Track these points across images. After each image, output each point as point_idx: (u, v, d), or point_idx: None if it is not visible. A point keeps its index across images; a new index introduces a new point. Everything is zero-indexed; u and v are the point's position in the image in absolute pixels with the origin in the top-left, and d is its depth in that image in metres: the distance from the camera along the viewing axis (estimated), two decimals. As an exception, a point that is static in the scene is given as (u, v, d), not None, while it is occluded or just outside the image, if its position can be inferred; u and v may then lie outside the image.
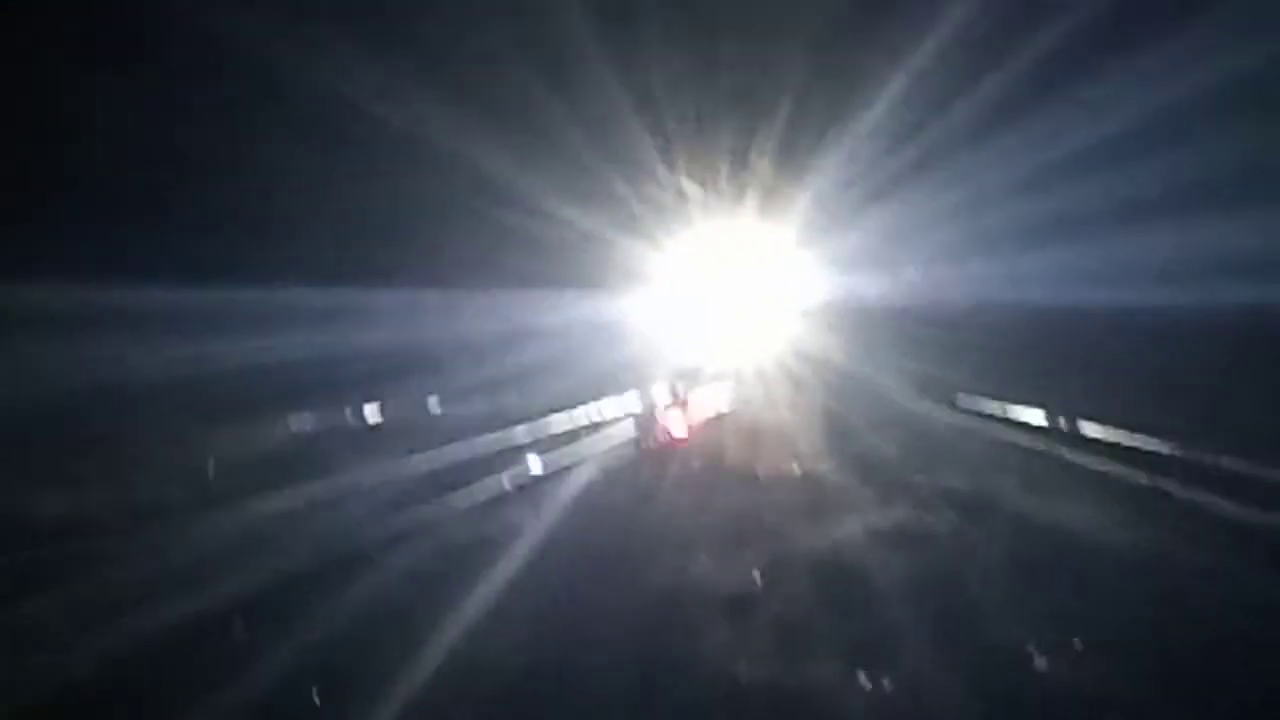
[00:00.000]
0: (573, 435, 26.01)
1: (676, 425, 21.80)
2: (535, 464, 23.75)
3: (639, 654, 11.19)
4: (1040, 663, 10.47)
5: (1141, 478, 20.44)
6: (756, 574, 13.41)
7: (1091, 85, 30.31)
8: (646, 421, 22.68)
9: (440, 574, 16.50)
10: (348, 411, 30.34)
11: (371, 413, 30.67)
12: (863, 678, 9.89)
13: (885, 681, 9.95)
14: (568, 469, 21.92)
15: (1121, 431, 24.98)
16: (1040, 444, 24.39)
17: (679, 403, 22.61)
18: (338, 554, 18.35)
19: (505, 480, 20.62)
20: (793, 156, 33.63)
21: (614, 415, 28.69)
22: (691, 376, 27.86)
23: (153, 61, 28.20)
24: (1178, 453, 22.19)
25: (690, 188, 34.61)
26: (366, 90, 29.33)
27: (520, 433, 24.44)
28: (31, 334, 26.83)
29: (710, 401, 29.20)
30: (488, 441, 23.77)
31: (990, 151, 31.96)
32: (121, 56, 27.81)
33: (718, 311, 35.57)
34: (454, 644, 13.60)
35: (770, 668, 10.69)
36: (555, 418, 28.09)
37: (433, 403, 30.69)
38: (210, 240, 28.73)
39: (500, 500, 19.62)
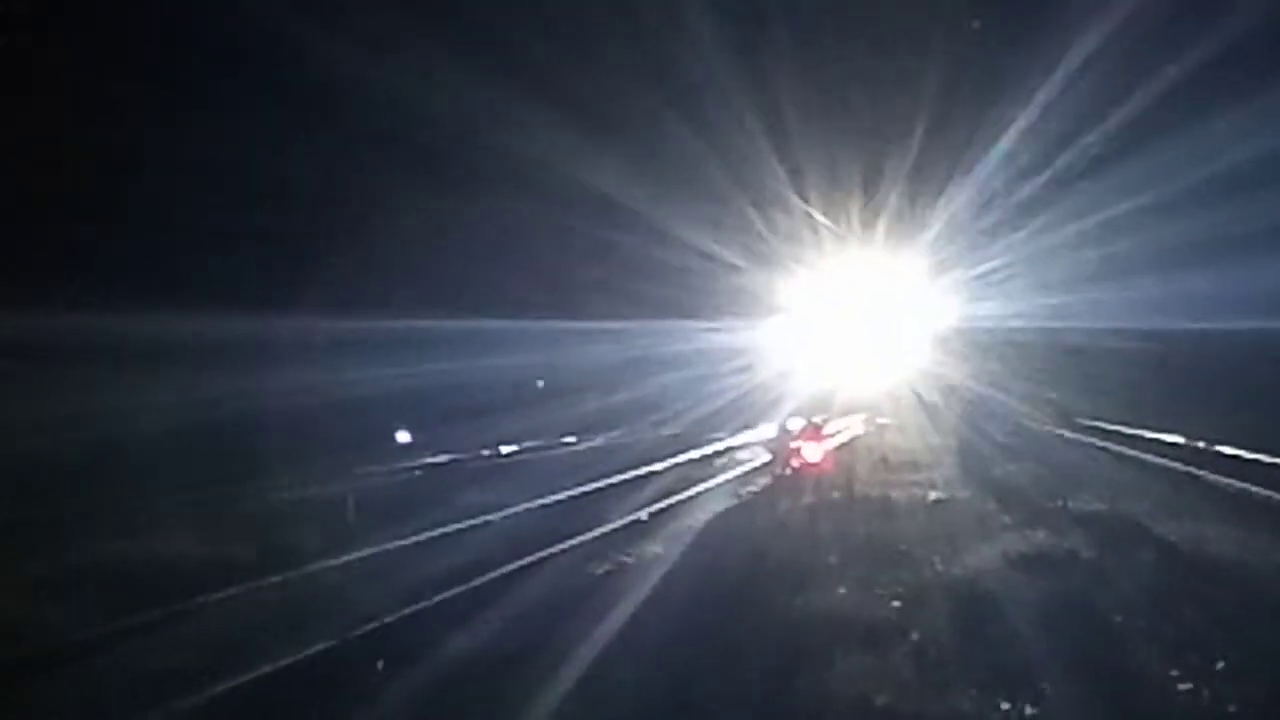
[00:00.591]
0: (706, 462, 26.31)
1: (811, 451, 21.92)
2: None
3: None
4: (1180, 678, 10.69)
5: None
6: (895, 601, 13.42)
7: (1226, 112, 30.16)
8: (781, 447, 22.80)
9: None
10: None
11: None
12: (1004, 706, 9.88)
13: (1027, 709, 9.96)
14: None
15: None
16: (1176, 469, 24.12)
17: (814, 429, 22.70)
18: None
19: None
20: (925, 185, 33.75)
21: (749, 442, 28.92)
22: (825, 402, 27.86)
23: (272, 101, 28.64)
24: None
25: (821, 218, 34.76)
26: (504, 125, 29.82)
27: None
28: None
29: (844, 428, 29.25)
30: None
31: (1117, 181, 31.93)
32: (234, 96, 28.37)
33: (850, 338, 35.65)
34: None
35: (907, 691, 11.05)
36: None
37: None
38: (350, 276, 29.25)
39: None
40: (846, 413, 30.52)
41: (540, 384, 34.91)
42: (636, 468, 23.80)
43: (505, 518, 18.70)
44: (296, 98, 28.75)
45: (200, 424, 23.91)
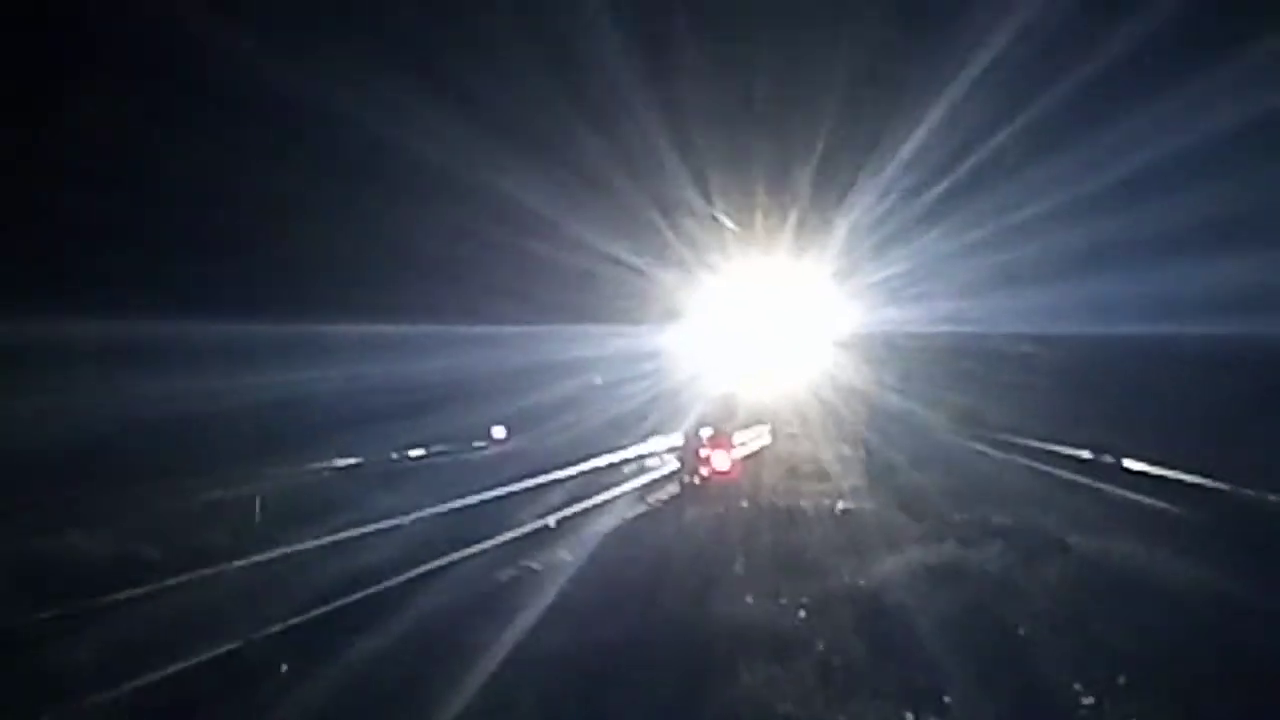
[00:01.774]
0: (614, 469, 26.34)
1: (720, 459, 21.91)
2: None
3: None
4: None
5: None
6: (801, 611, 13.42)
7: (1124, 119, 30.54)
8: (689, 455, 22.78)
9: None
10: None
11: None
12: (908, 717, 9.94)
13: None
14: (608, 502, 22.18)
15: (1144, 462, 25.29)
16: (1080, 477, 24.32)
17: (723, 438, 22.68)
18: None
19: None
20: (830, 190, 33.88)
21: (655, 449, 28.99)
22: (731, 407, 27.89)
23: (205, 104, 28.49)
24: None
25: (727, 222, 34.80)
26: (411, 130, 29.67)
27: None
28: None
29: (752, 436, 29.28)
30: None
31: (1017, 187, 32.25)
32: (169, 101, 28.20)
33: (756, 342, 35.73)
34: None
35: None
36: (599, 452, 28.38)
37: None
38: (255, 280, 29.08)
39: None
40: (752, 418, 30.54)
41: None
42: (544, 473, 23.79)
43: (413, 522, 18.64)
44: (210, 101, 28.57)
45: (113, 425, 23.74)
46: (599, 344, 34.99)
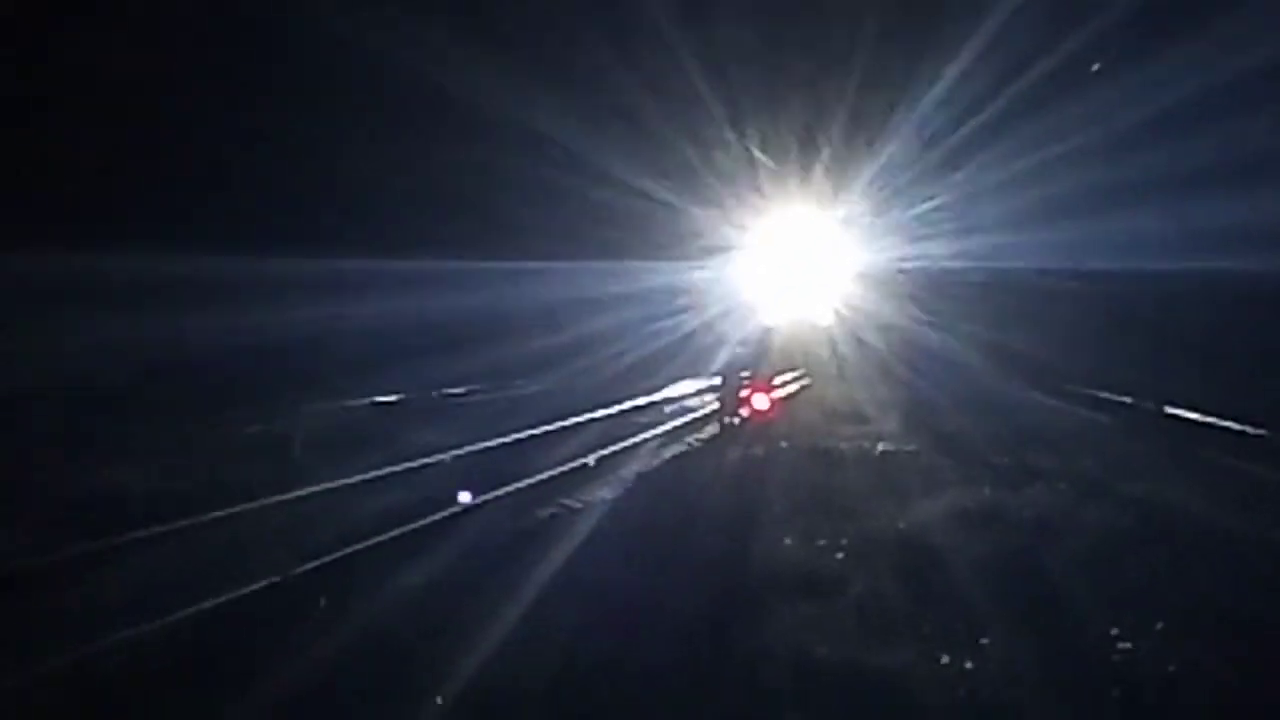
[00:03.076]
0: (652, 408, 26.38)
1: (760, 400, 21.92)
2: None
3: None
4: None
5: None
6: (839, 553, 13.42)
7: (1163, 53, 30.32)
8: (729, 397, 22.75)
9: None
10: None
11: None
12: (943, 660, 9.95)
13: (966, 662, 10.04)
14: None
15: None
16: (1119, 420, 24.19)
17: (762, 379, 22.65)
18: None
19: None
20: (864, 125, 33.79)
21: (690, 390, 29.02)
22: (765, 344, 27.87)
23: (236, 41, 28.51)
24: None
25: (761, 157, 34.75)
26: (445, 66, 29.62)
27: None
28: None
29: (789, 377, 29.25)
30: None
31: (1055, 121, 32.10)
32: (183, 37, 28.20)
33: (791, 277, 35.69)
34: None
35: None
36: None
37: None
38: (295, 217, 29.16)
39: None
40: (790, 358, 30.48)
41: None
42: (583, 411, 23.81)
43: (454, 459, 18.65)
44: (241, 38, 28.58)
45: (151, 362, 23.90)
46: (633, 279, 34.97)
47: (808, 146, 34.55)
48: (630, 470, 18.61)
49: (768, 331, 29.00)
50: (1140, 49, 30.70)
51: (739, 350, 25.97)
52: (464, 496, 15.51)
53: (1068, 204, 32.62)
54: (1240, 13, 28.21)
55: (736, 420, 22.06)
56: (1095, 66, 31.49)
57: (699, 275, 35.49)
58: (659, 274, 35.26)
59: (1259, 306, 28.60)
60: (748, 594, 11.61)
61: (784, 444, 21.12)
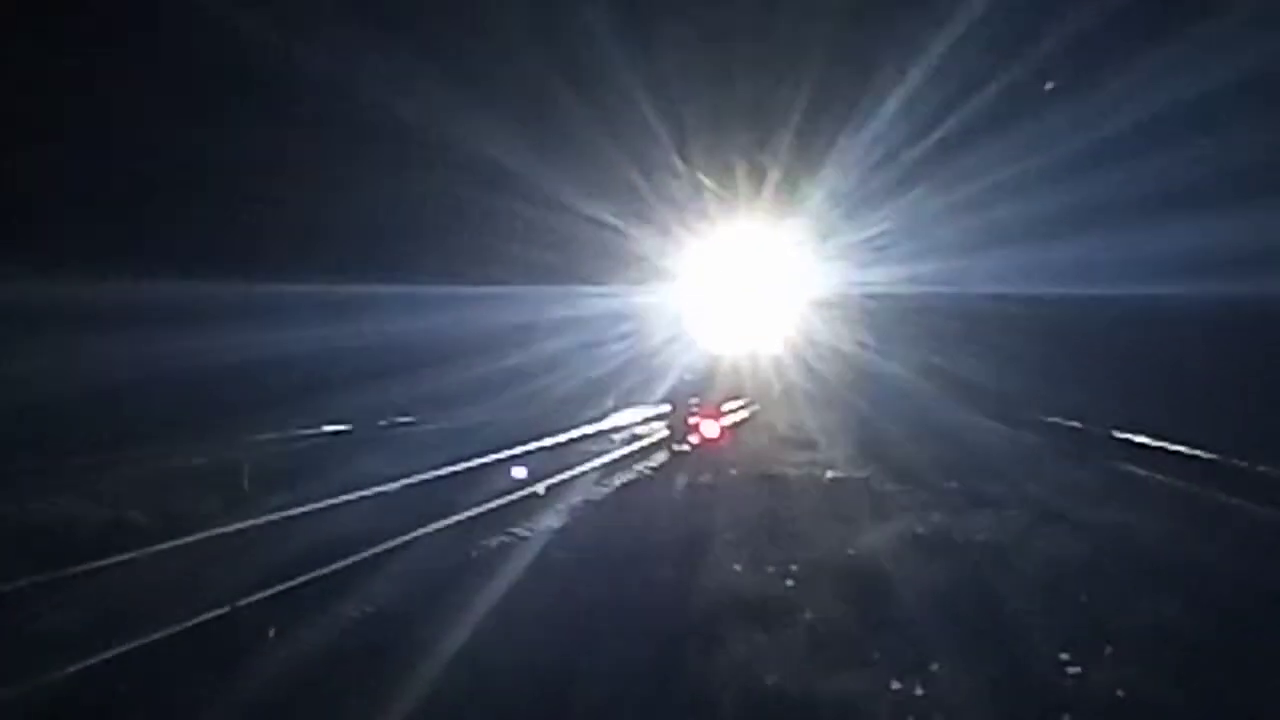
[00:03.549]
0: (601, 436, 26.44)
1: (709, 428, 21.93)
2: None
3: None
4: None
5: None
6: (789, 580, 13.42)
7: (1109, 78, 30.54)
8: (678, 424, 22.73)
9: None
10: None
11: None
12: (894, 685, 9.97)
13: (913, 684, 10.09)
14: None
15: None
16: (1070, 445, 24.35)
17: (712, 406, 22.65)
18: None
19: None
20: (810, 150, 33.94)
21: (638, 418, 29.05)
22: (712, 370, 27.91)
23: (176, 63, 28.40)
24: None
25: (707, 182, 34.85)
26: (389, 90, 29.59)
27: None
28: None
29: (738, 404, 29.32)
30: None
31: (1000, 146, 32.27)
32: (140, 57, 28.06)
33: (737, 303, 35.77)
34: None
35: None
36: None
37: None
38: (238, 241, 29.00)
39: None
40: (738, 384, 30.55)
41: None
42: (529, 440, 23.79)
43: (401, 488, 18.62)
44: (188, 62, 28.50)
45: (96, 387, 23.67)
46: (578, 305, 34.97)
47: (754, 171, 34.70)
48: (579, 498, 18.62)
49: (715, 358, 29.01)
50: (1091, 72, 30.94)
51: (686, 377, 25.92)
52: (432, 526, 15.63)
53: (1017, 228, 32.78)
54: (1192, 36, 28.45)
55: (686, 447, 22.10)
56: (1049, 85, 31.68)
57: (645, 300, 35.50)
58: (605, 299, 35.26)
59: (1210, 331, 28.81)
60: (697, 619, 11.63)
61: (733, 471, 21.18)
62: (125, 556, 13.59)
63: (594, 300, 35.14)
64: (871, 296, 35.39)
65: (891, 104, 32.37)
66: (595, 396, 31.16)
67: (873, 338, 33.94)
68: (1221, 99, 28.64)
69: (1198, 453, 21.80)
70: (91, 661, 9.99)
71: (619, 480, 20.70)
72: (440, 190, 32.66)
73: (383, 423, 27.49)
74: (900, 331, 33.82)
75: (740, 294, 35.99)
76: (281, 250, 29.53)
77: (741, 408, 29.57)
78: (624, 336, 34.71)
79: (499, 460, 21.49)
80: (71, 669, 9.82)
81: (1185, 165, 28.79)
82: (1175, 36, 28.59)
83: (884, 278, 35.42)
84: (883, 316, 34.59)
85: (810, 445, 24.78)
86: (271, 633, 10.95)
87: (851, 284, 36.17)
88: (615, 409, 30.16)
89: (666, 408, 24.51)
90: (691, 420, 22.06)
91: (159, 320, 26.30)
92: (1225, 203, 28.19)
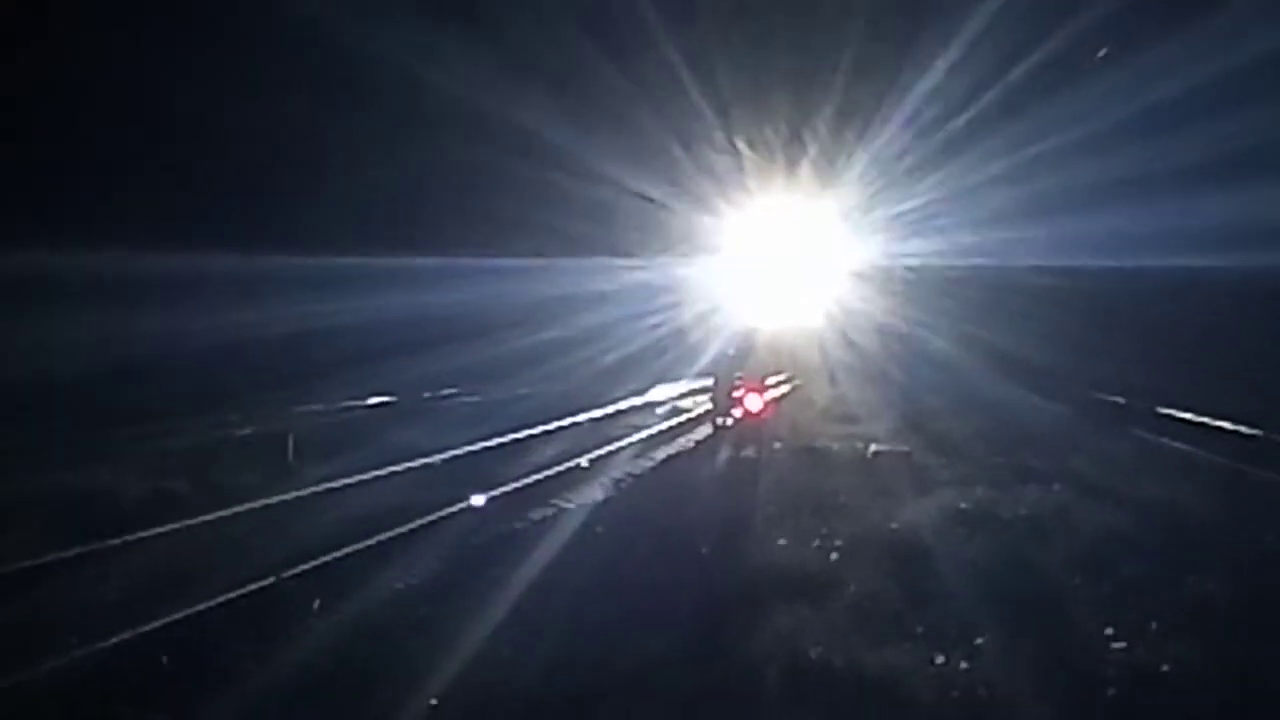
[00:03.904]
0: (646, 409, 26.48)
1: (753, 401, 21.87)
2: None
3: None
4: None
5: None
6: (833, 554, 13.38)
7: (1147, 50, 30.41)
8: (722, 398, 22.66)
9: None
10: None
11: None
12: (938, 660, 9.90)
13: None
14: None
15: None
16: (1112, 420, 24.20)
17: (755, 380, 22.56)
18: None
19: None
20: (851, 122, 33.84)
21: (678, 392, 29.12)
22: (757, 347, 27.82)
23: (219, 37, 28.50)
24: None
25: (748, 153, 34.76)
26: (433, 63, 29.62)
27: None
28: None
29: (782, 377, 29.26)
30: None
31: (1039, 119, 32.17)
32: (185, 35, 28.18)
33: (778, 275, 35.67)
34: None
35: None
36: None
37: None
38: (278, 214, 29.15)
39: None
40: (781, 358, 30.46)
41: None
42: (572, 413, 23.86)
43: (448, 460, 18.70)
44: (231, 35, 28.58)
45: (134, 360, 23.82)
46: (620, 277, 35.00)
47: (795, 143, 34.62)
48: (623, 471, 18.67)
49: (755, 331, 28.93)
50: (1129, 46, 30.80)
51: (729, 351, 25.83)
52: (477, 499, 15.74)
53: (1057, 200, 32.78)
54: (1225, 11, 28.32)
55: (729, 421, 22.08)
56: (1101, 53, 31.54)
57: (685, 273, 35.47)
58: (645, 271, 35.27)
59: (1248, 304, 28.67)
60: (742, 593, 11.63)
61: (777, 445, 21.15)
62: (170, 527, 13.74)
63: (634, 273, 35.15)
64: (911, 269, 35.31)
65: (931, 77, 32.28)
66: (635, 369, 31.17)
67: (912, 310, 33.84)
68: (1257, 75, 28.56)
69: (1239, 428, 21.74)
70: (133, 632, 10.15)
71: (662, 454, 20.76)
72: (481, 163, 32.73)
73: (427, 395, 27.50)
74: (940, 304, 33.71)
75: (780, 267, 35.88)
76: (324, 224, 29.68)
77: (783, 382, 29.49)
78: (663, 309, 34.67)
79: (542, 433, 21.57)
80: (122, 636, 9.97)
81: (1225, 138, 28.71)
82: (1213, 11, 28.49)
83: (924, 250, 35.34)
84: (922, 289, 34.51)
85: (852, 419, 24.78)
86: (317, 604, 11.10)
87: (891, 256, 36.08)
88: (657, 382, 30.14)
89: (708, 381, 24.49)
90: (735, 394, 22.01)
91: (206, 293, 26.54)
92: (1260, 176, 28.13)
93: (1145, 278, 33.01)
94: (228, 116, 28.43)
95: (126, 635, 9.92)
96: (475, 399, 27.56)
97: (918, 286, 34.58)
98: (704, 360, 28.66)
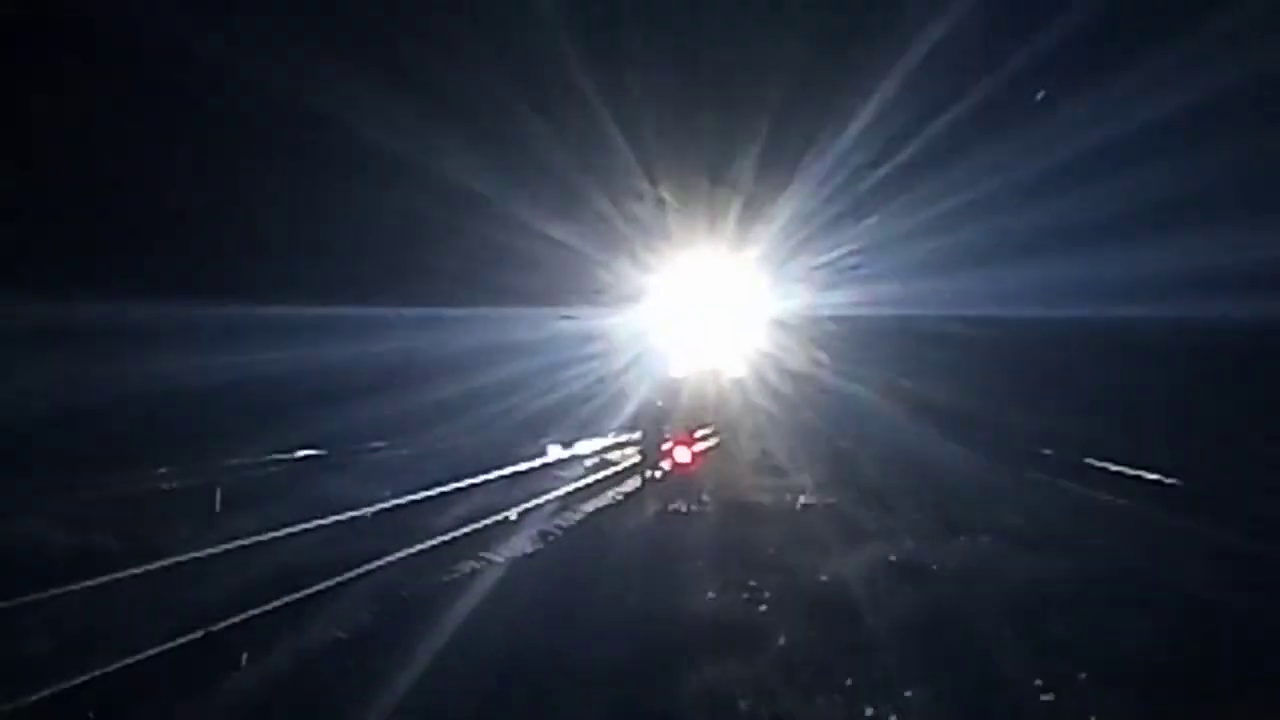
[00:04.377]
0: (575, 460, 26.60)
1: (682, 454, 21.87)
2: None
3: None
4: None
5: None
6: (762, 606, 13.43)
7: (1057, 109, 30.90)
8: (651, 450, 22.66)
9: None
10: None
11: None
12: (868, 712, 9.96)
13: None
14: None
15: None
16: (1036, 471, 24.45)
17: (684, 433, 22.58)
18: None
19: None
20: (773, 174, 34.03)
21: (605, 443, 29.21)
22: (682, 399, 27.87)
23: (144, 84, 28.38)
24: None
25: (672, 204, 34.88)
26: (355, 110, 29.59)
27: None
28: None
29: (708, 430, 29.34)
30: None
31: (955, 174, 32.52)
32: (124, 90, 28.08)
33: (701, 325, 35.76)
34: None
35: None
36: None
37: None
38: (200, 261, 28.95)
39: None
40: (707, 411, 30.53)
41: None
42: (499, 466, 23.85)
43: (374, 514, 18.64)
44: (154, 81, 28.46)
45: (63, 409, 23.53)
46: (544, 327, 34.99)
47: (719, 194, 34.77)
48: (552, 524, 18.68)
49: (680, 381, 29.01)
50: (1054, 93, 31.25)
51: (657, 402, 25.88)
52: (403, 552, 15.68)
53: (981, 250, 33.01)
54: (1148, 64, 28.72)
55: (658, 474, 22.12)
56: (1040, 95, 31.96)
57: (610, 323, 35.50)
58: (570, 321, 35.28)
59: (1173, 355, 29.03)
60: (670, 645, 11.65)
61: (705, 497, 21.20)
62: (97, 581, 13.62)
63: (559, 323, 35.15)
64: (835, 319, 35.52)
65: (854, 128, 32.55)
66: (561, 418, 31.25)
67: (836, 359, 34.04)
68: (1185, 124, 28.95)
69: (1160, 478, 22.05)
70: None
71: (590, 506, 20.78)
72: (406, 213, 32.69)
73: (354, 447, 27.40)
74: (864, 354, 33.94)
75: (704, 316, 35.99)
76: (250, 273, 29.49)
77: (710, 434, 29.59)
78: (589, 358, 34.68)
79: (468, 485, 21.54)
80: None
81: (1142, 189, 29.06)
82: (1135, 61, 28.89)
83: (847, 300, 35.56)
84: (846, 339, 34.71)
85: (779, 471, 24.90)
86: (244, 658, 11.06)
87: (816, 306, 36.26)
88: (581, 434, 30.24)
89: (634, 433, 24.56)
90: (664, 446, 22.07)
91: (129, 342, 26.25)
92: (1187, 226, 28.47)
93: (1069, 327, 33.37)
94: (156, 166, 28.32)
95: (56, 688, 9.88)
96: (404, 452, 27.46)
97: (842, 336, 34.80)
98: (629, 408, 28.79)
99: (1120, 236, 29.85)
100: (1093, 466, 24.27)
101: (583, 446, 29.11)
